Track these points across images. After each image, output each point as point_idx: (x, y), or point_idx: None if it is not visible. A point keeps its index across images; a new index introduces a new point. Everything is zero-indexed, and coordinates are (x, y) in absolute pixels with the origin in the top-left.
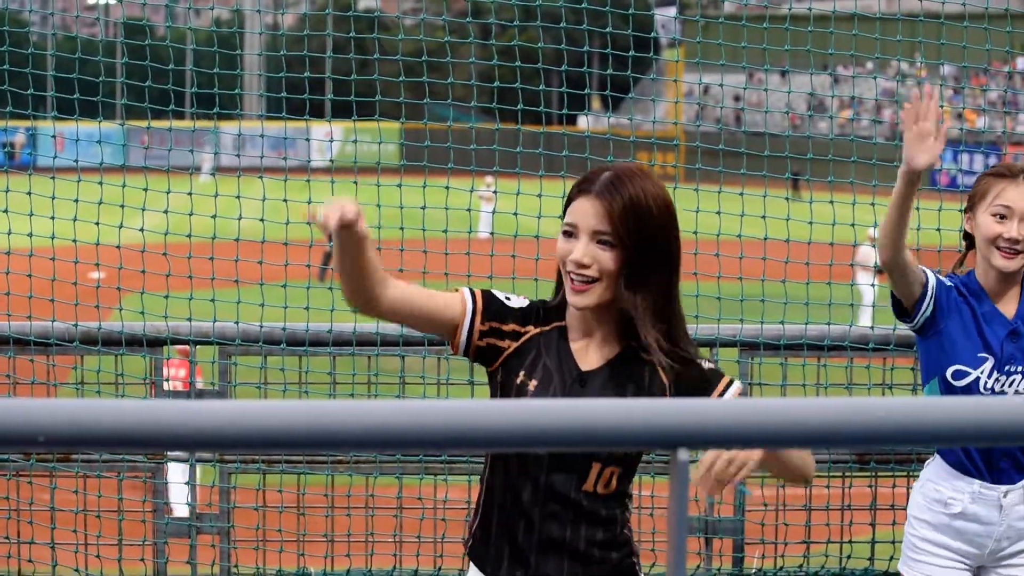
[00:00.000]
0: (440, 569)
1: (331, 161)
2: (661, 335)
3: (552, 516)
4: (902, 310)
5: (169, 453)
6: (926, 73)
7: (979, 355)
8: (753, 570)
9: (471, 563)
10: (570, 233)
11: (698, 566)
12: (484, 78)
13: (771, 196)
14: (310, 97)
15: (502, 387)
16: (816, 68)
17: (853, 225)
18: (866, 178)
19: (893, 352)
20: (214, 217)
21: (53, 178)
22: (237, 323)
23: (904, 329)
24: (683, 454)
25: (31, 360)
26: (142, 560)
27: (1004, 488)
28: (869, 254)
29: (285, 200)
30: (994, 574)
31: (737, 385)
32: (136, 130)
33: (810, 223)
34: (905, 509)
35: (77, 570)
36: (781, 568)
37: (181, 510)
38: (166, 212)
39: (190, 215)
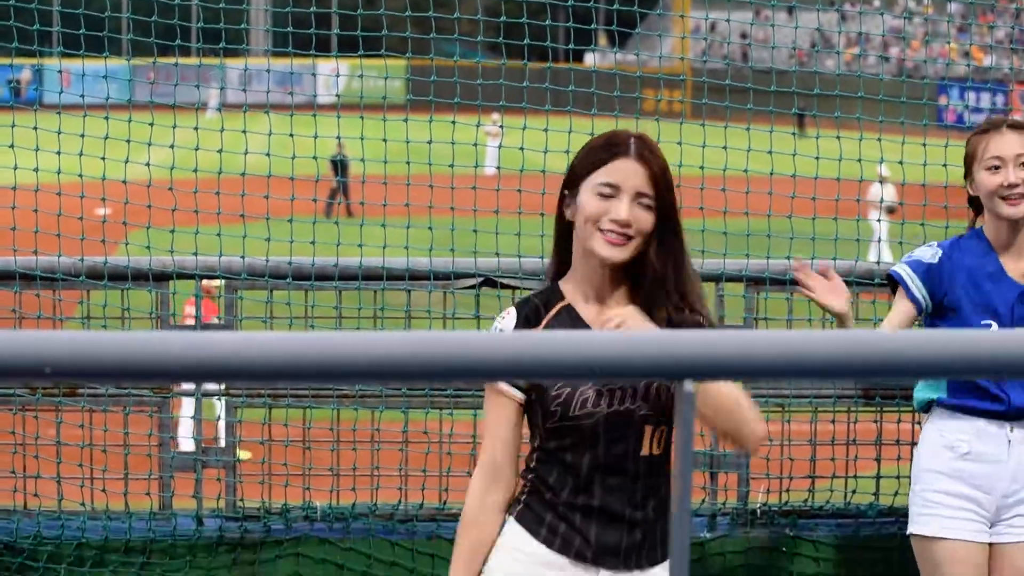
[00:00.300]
0: (445, 503)
1: (337, 96)
2: (680, 298)
3: (612, 489)
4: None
5: (180, 388)
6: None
7: (983, 322)
8: (758, 505)
9: (516, 526)
10: (608, 194)
11: (703, 500)
12: (490, 13)
13: (777, 132)
14: (316, 32)
15: (539, 390)
16: (823, 4)
17: (860, 161)
18: (872, 114)
19: None
20: (220, 152)
21: (59, 114)
22: (243, 257)
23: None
24: (688, 386)
25: (37, 295)
26: (148, 494)
27: (1010, 423)
28: (877, 191)
29: (291, 135)
30: (1002, 526)
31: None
32: (142, 66)
33: (816, 159)
34: (910, 444)
35: (83, 504)
36: (786, 503)
37: (188, 444)
38: (172, 147)
39: (196, 150)
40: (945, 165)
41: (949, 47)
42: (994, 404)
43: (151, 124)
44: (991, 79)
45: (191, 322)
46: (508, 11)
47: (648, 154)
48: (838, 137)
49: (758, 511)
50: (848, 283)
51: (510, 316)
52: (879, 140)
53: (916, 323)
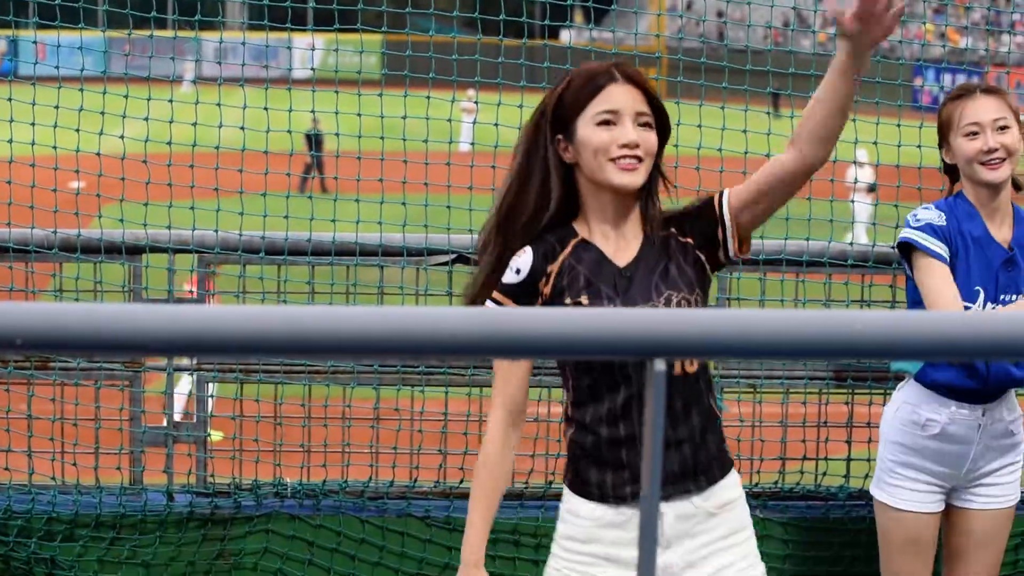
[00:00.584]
0: (416, 481)
1: (312, 71)
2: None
3: None
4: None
5: (178, 363)
6: None
7: (974, 288)
8: None
9: (569, 494)
10: (608, 121)
11: None
12: None
13: (752, 111)
14: (292, 5)
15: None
16: None
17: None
18: None
19: (872, 269)
20: (194, 125)
21: (34, 85)
22: (216, 231)
23: (882, 246)
24: (659, 364)
25: (10, 267)
26: (118, 468)
27: (982, 407)
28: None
29: (266, 109)
30: (967, 494)
31: (724, 193)
32: (117, 38)
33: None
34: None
35: (53, 478)
36: (756, 484)
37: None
38: (147, 120)
39: (170, 123)
40: (920, 147)
41: (925, 28)
42: (972, 381)
43: (126, 97)
44: (967, 61)
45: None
46: None
47: (636, 76)
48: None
49: None
50: (821, 264)
51: (526, 254)
52: (854, 121)
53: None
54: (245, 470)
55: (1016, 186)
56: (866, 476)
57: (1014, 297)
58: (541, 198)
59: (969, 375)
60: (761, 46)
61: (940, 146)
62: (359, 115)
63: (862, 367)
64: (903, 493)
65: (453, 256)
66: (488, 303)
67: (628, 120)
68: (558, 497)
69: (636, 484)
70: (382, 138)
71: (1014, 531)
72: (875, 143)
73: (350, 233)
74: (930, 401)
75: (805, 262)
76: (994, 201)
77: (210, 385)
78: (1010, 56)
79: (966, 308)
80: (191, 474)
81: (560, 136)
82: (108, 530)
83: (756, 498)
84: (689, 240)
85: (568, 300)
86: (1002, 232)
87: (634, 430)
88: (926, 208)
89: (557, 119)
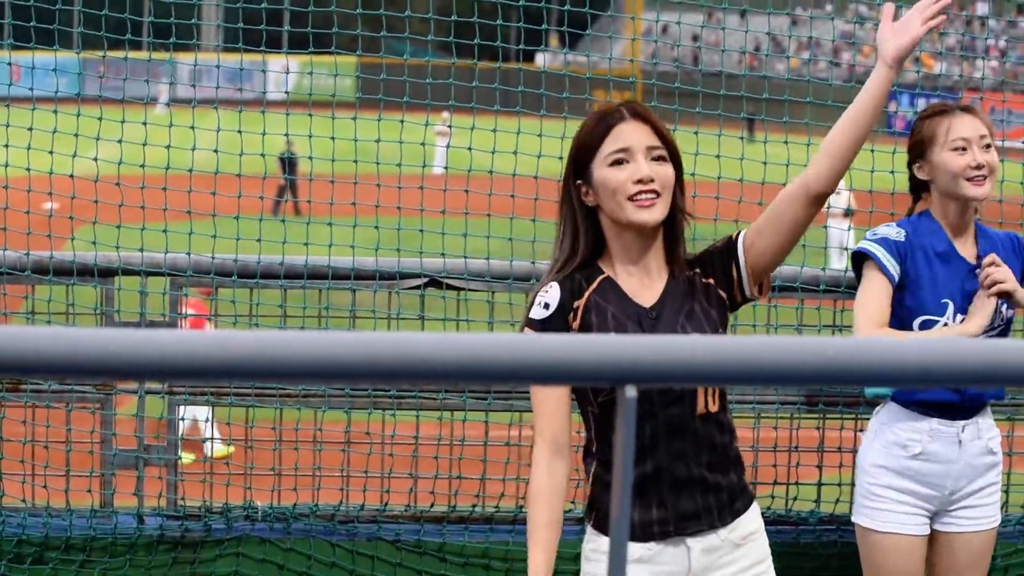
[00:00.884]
0: (387, 505)
1: (286, 94)
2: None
3: (674, 455)
4: None
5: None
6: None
7: (942, 301)
8: None
9: (594, 532)
10: (621, 160)
11: None
12: (442, 12)
13: (726, 136)
14: (267, 29)
15: None
16: (775, 8)
17: (807, 166)
18: (821, 120)
19: (843, 294)
20: (168, 148)
21: (8, 107)
22: (189, 254)
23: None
24: (630, 391)
25: None
26: (89, 491)
27: (961, 423)
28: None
29: (240, 132)
30: (950, 517)
31: (742, 231)
32: (92, 60)
33: (764, 163)
34: (852, 452)
35: (24, 500)
36: None
37: (205, 448)
38: (120, 142)
39: (144, 145)
40: (893, 172)
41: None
42: (948, 394)
43: (99, 119)
44: (941, 86)
45: (188, 322)
46: (459, 10)
47: (643, 111)
48: (786, 142)
49: None
50: (793, 289)
51: (553, 289)
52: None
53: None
54: (215, 493)
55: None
56: (837, 501)
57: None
58: (575, 243)
59: (946, 388)
60: (736, 71)
61: (912, 163)
62: (332, 138)
63: (834, 392)
64: (888, 516)
65: (425, 280)
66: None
67: (640, 156)
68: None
69: (667, 522)
70: (355, 161)
71: (996, 552)
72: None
73: (323, 256)
74: (909, 419)
75: (777, 287)
76: (962, 219)
77: (205, 409)
78: (984, 81)
79: (934, 321)
80: (162, 497)
81: (580, 181)
82: (78, 553)
83: None
84: (711, 280)
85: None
86: (967, 248)
87: (660, 472)
88: (887, 225)
89: (576, 165)
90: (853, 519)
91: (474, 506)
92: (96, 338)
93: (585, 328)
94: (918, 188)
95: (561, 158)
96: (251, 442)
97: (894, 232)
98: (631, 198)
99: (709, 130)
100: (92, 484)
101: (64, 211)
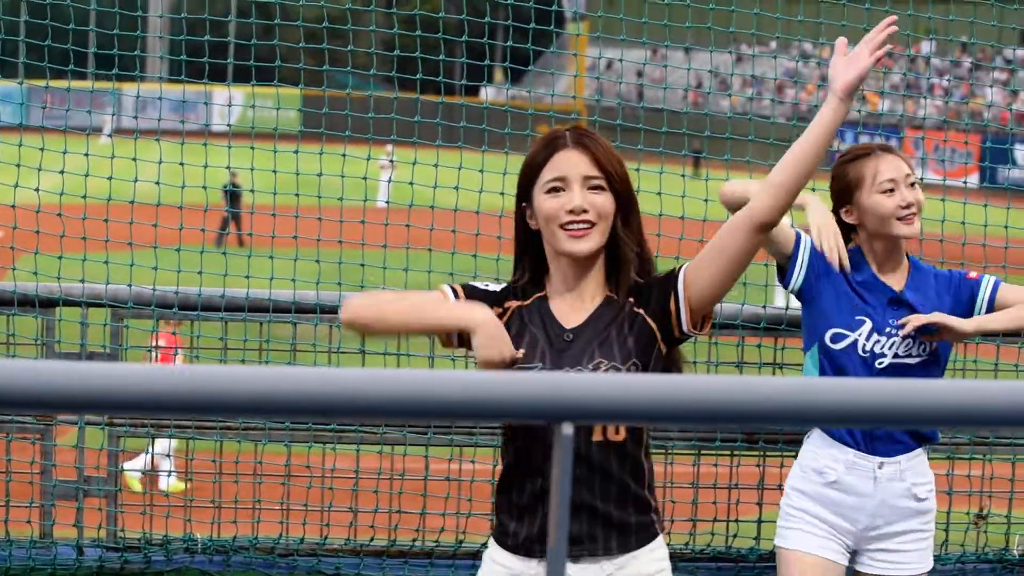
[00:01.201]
0: (326, 538)
1: (229, 126)
2: (643, 269)
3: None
4: (783, 274)
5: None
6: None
7: (857, 318)
8: None
9: (492, 542)
10: (558, 188)
11: None
12: (386, 47)
13: (667, 172)
14: (211, 61)
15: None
16: (718, 46)
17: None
18: (764, 157)
19: (784, 332)
20: (110, 179)
21: None
22: (130, 286)
23: (797, 310)
24: (567, 428)
25: None
26: (28, 522)
27: (879, 460)
28: None
29: (182, 164)
30: (869, 557)
31: (684, 264)
32: (36, 89)
33: (706, 200)
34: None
35: None
36: (668, 544)
37: (162, 482)
38: (62, 173)
39: (86, 176)
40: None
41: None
42: (866, 439)
43: (42, 149)
44: (884, 124)
45: (159, 353)
46: (403, 45)
47: (586, 139)
48: (728, 179)
49: None
50: (734, 327)
51: (498, 285)
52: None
53: (775, 256)
54: (155, 525)
55: None
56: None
57: (898, 332)
58: (521, 262)
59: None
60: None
61: (838, 208)
62: (275, 171)
63: (774, 429)
64: (801, 536)
65: None
66: (447, 288)
67: (576, 186)
68: (469, 556)
69: (547, 539)
70: (297, 195)
71: None
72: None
73: (264, 289)
74: (830, 447)
75: (718, 324)
76: (890, 255)
77: (169, 442)
78: (926, 120)
79: (843, 335)
80: (101, 528)
81: (524, 204)
82: None
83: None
84: (641, 310)
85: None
86: (894, 280)
87: (549, 485)
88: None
89: (521, 188)
90: (774, 543)
91: (414, 540)
92: (35, 370)
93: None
94: (846, 230)
95: (503, 193)
96: (191, 474)
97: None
98: (563, 227)
99: (651, 166)
100: (32, 515)
101: (5, 241)
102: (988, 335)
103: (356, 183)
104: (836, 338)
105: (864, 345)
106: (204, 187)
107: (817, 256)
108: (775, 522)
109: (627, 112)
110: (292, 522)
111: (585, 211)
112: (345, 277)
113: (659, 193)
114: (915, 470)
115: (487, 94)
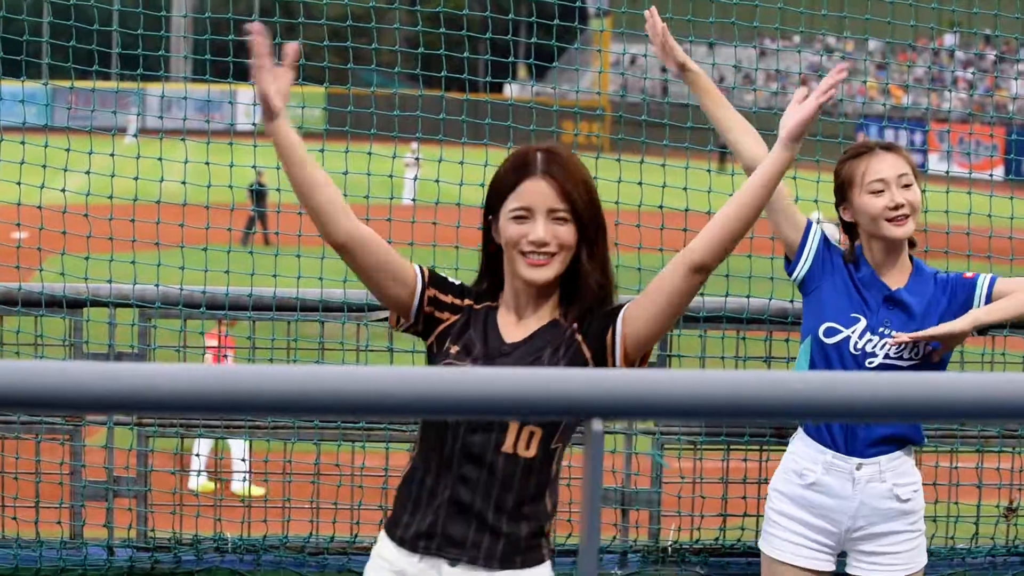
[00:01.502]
0: (356, 536)
1: (254, 125)
2: (602, 296)
3: (464, 479)
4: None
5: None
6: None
7: (852, 315)
8: (669, 542)
9: (382, 534)
10: (523, 217)
11: (614, 537)
12: (410, 44)
13: (693, 168)
14: (235, 60)
15: (434, 357)
16: (742, 41)
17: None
18: None
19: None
20: (136, 179)
21: None
22: (157, 286)
23: None
24: (596, 424)
25: None
26: (59, 523)
27: (857, 460)
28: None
29: (207, 163)
30: (855, 559)
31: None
32: (60, 90)
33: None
34: None
35: None
36: (697, 540)
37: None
38: (88, 173)
39: (112, 176)
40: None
41: (868, 85)
42: (845, 439)
43: (67, 149)
44: (909, 117)
45: (211, 354)
46: (428, 42)
47: (555, 169)
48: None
49: (669, 549)
50: (762, 322)
51: (459, 282)
52: (794, 178)
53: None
54: (185, 524)
55: (911, 242)
56: None
57: (892, 332)
58: (482, 271)
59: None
60: None
61: (838, 206)
62: None
63: (801, 423)
64: (784, 544)
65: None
66: (416, 267)
67: (540, 217)
68: (362, 551)
69: (432, 538)
70: None
71: None
72: (815, 200)
73: (291, 288)
74: (809, 449)
75: (746, 319)
76: (890, 257)
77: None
78: (951, 113)
79: (836, 330)
80: (131, 528)
81: (491, 216)
82: None
83: (697, 554)
84: (579, 337)
85: (448, 341)
86: (894, 279)
87: (444, 490)
88: (835, 240)
89: (488, 201)
90: (759, 543)
91: None
92: (63, 371)
93: (448, 325)
94: (849, 229)
95: None
96: (221, 473)
97: (835, 238)
98: (523, 254)
99: (676, 162)
100: (62, 515)
101: (32, 242)
102: (989, 328)
103: (382, 181)
104: (829, 332)
105: (856, 343)
106: (230, 186)
107: (824, 247)
108: None
109: (652, 107)
110: (322, 521)
111: (546, 243)
112: None
113: (685, 188)
114: (897, 471)
115: (511, 91)
